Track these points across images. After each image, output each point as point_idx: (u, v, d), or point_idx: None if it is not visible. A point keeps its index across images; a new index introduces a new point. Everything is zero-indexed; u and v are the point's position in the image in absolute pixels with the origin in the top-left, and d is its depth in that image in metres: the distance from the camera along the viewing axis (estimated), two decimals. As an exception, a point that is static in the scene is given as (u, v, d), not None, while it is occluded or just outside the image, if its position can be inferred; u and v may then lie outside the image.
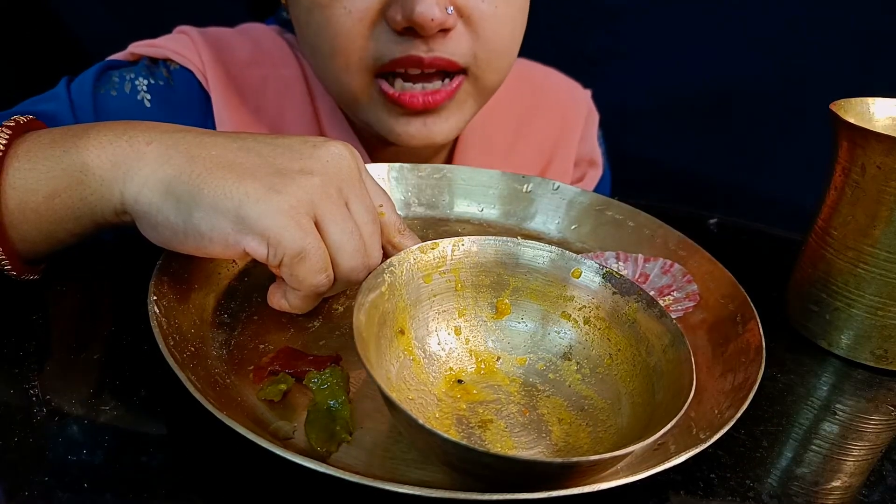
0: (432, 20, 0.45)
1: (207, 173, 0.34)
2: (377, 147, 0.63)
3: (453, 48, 0.49)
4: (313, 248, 0.34)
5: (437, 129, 0.52)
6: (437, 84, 0.51)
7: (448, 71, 0.51)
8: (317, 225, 0.35)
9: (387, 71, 0.50)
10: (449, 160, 0.67)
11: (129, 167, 0.35)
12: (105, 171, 0.35)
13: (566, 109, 0.73)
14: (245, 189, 0.33)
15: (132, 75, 0.56)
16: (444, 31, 0.48)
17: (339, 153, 0.37)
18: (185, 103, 0.58)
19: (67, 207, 0.36)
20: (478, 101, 0.55)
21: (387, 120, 0.52)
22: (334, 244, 0.35)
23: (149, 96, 0.56)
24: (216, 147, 0.35)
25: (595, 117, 0.76)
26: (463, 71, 0.51)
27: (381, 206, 0.39)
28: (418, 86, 0.51)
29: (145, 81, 0.56)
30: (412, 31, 0.47)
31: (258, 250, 0.34)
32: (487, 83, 0.53)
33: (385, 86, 0.51)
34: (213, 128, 0.58)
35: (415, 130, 0.52)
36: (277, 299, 0.38)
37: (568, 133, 0.72)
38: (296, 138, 0.38)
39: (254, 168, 0.35)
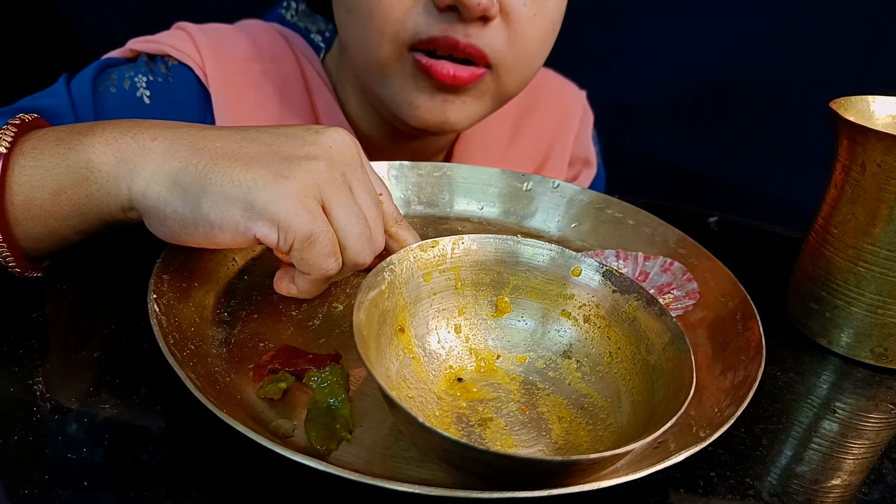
0: (478, 3, 0.47)
1: (213, 163, 0.34)
2: (375, 145, 0.63)
3: (487, 39, 0.50)
4: (322, 231, 0.34)
5: (453, 110, 0.53)
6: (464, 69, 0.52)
7: (475, 64, 0.51)
8: (323, 209, 0.35)
9: (420, 48, 0.50)
10: (447, 159, 0.68)
11: (135, 163, 0.35)
12: (111, 167, 0.36)
13: (561, 109, 0.73)
14: (252, 176, 0.33)
15: (131, 73, 0.56)
16: (485, 19, 0.49)
17: (342, 139, 0.37)
18: (184, 99, 0.58)
19: (73, 204, 0.36)
20: (494, 101, 0.55)
21: (410, 92, 0.52)
22: (341, 227, 0.35)
23: (148, 93, 0.56)
24: (220, 139, 0.36)
25: (590, 117, 0.76)
26: (489, 67, 0.52)
27: (380, 194, 0.40)
28: (449, 63, 0.51)
29: (144, 78, 0.56)
30: (454, 11, 0.48)
31: (269, 236, 0.34)
32: (506, 86, 0.54)
33: (418, 55, 0.51)
34: (212, 123, 0.58)
35: (433, 106, 0.52)
36: (286, 285, 0.38)
37: (563, 132, 0.72)
38: (297, 126, 0.38)
39: (259, 156, 0.35)
